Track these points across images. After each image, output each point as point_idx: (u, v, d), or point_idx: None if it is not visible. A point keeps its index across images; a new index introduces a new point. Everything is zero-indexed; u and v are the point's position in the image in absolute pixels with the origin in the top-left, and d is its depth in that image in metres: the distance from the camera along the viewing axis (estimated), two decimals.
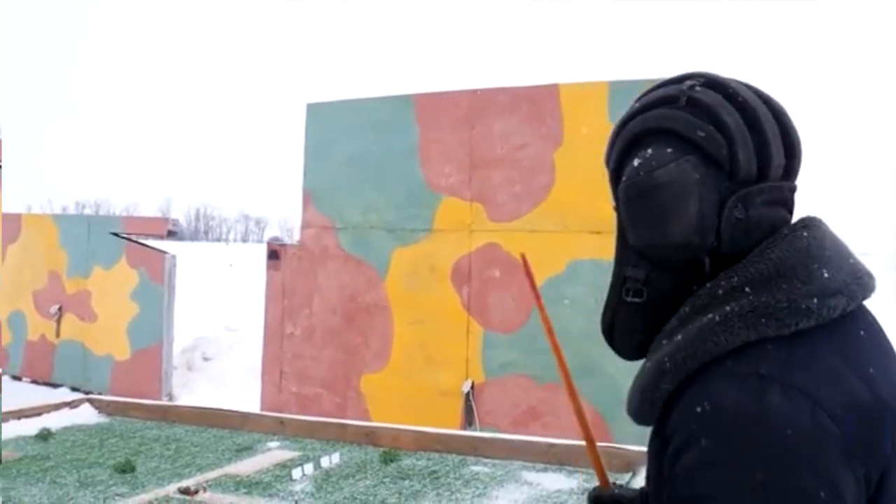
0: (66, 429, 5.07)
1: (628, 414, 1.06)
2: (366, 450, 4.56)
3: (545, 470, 4.14)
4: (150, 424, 5.23)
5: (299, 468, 4.01)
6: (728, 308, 0.92)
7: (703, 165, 0.97)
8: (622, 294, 1.07)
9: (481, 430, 5.89)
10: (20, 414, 5.20)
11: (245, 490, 3.78)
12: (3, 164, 4.88)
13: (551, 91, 6.24)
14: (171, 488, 3.79)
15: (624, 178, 1.04)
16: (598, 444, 4.24)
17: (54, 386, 9.09)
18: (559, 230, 6.11)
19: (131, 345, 8.57)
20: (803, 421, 0.83)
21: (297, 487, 3.81)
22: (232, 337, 10.45)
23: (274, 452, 4.52)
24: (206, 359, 9.73)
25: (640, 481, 3.66)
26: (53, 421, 5.19)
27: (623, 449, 4.12)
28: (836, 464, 0.84)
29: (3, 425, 4.98)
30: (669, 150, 0.98)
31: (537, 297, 1.46)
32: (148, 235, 9.16)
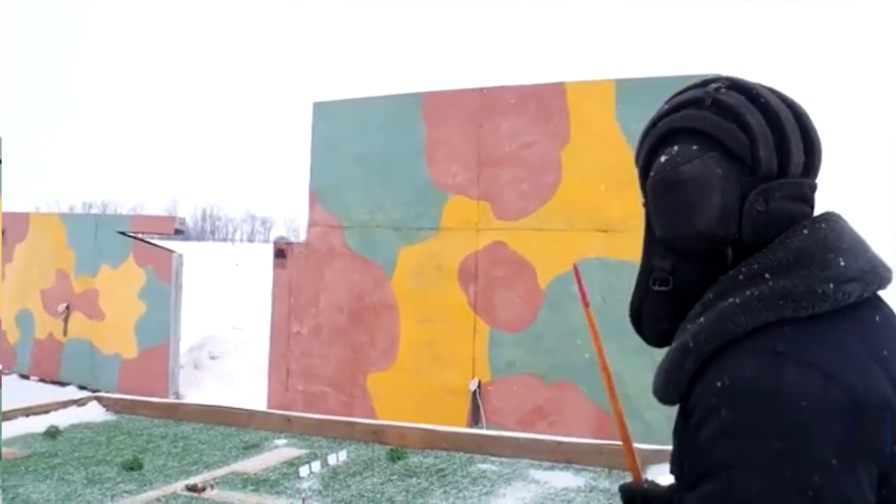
0: (73, 426, 5.09)
1: (654, 394, 1.10)
2: (373, 447, 4.56)
3: (552, 468, 4.13)
4: (157, 422, 5.24)
5: (306, 466, 4.01)
6: (748, 292, 0.97)
7: (726, 161, 1.03)
8: (649, 283, 1.14)
9: (488, 428, 5.88)
10: (28, 411, 5.22)
11: (252, 487, 3.78)
12: (8, 164, 4.90)
13: (558, 89, 6.24)
14: (179, 485, 3.80)
15: (652, 174, 1.11)
16: (605, 442, 4.25)
17: (62, 384, 9.11)
18: (566, 228, 6.10)
19: (139, 343, 8.59)
20: (816, 394, 0.88)
21: (305, 485, 3.81)
22: (239, 336, 10.46)
23: (281, 450, 4.52)
24: (212, 357, 9.75)
25: (648, 478, 3.66)
26: (61, 419, 5.21)
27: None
28: (848, 434, 0.88)
29: (12, 423, 5.01)
30: (695, 147, 1.05)
31: (587, 306, 1.52)
32: (155, 234, 9.18)
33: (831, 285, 0.95)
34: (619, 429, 1.47)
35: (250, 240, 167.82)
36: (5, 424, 4.95)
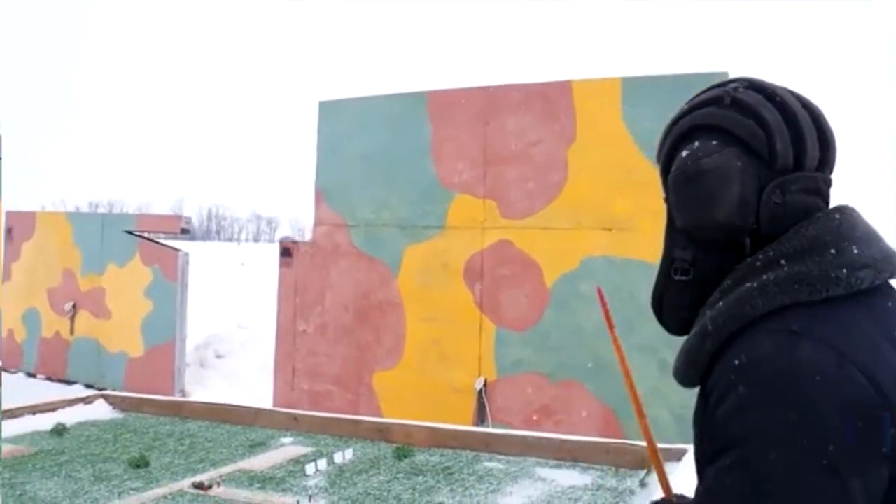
0: (80, 424, 5.09)
1: (675, 377, 1.17)
2: (379, 446, 4.56)
3: (559, 466, 4.12)
4: (163, 420, 5.24)
5: (313, 464, 4.01)
6: (765, 277, 1.03)
7: (744, 155, 1.08)
8: (671, 273, 1.19)
9: (494, 427, 5.87)
10: (35, 409, 5.23)
11: (259, 485, 3.78)
12: (8, 164, 4.91)
13: (564, 87, 6.23)
14: (185, 483, 3.80)
15: (673, 169, 1.16)
16: (612, 440, 4.23)
17: (69, 383, 9.14)
18: (572, 227, 6.10)
19: (145, 342, 8.61)
20: (830, 369, 0.93)
21: (311, 483, 3.81)
22: (244, 334, 10.48)
23: (287, 448, 4.52)
24: (218, 356, 9.76)
25: (655, 477, 3.65)
26: (68, 416, 5.21)
27: (636, 445, 4.11)
28: (863, 407, 0.92)
29: (19, 421, 5.02)
30: (714, 142, 1.11)
31: (611, 329, 1.56)
32: (161, 233, 9.21)
33: (844, 270, 0.99)
34: (649, 451, 1.52)
35: (256, 240, 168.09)
36: (12, 422, 4.95)
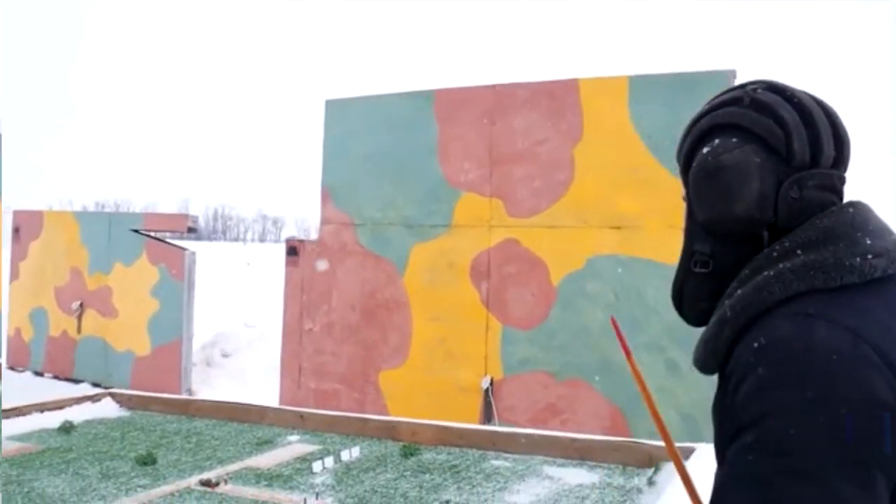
0: (88, 422, 5.11)
1: (694, 365, 1.19)
2: (386, 444, 4.56)
3: (566, 465, 4.12)
4: (170, 418, 5.25)
5: (320, 461, 4.01)
6: (781, 265, 1.07)
7: (763, 152, 1.13)
8: (691, 266, 1.23)
9: (500, 426, 5.86)
10: (42, 407, 5.24)
11: (266, 483, 3.78)
12: (15, 164, 4.92)
13: (571, 86, 6.21)
14: (193, 480, 3.80)
15: (694, 165, 1.20)
16: (619, 439, 4.23)
17: (76, 382, 9.15)
18: (579, 226, 6.08)
19: (152, 341, 8.62)
20: (846, 348, 0.96)
21: (318, 480, 3.81)
22: (251, 333, 10.49)
23: (294, 446, 4.52)
24: (225, 355, 9.77)
25: (662, 476, 3.64)
26: (76, 414, 5.23)
27: (643, 444, 4.10)
28: (878, 384, 0.95)
29: (27, 418, 5.04)
30: (734, 140, 1.15)
31: (629, 356, 1.58)
32: (168, 232, 9.22)
33: (858, 259, 1.04)
34: (678, 469, 1.51)
35: (261, 239, 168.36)
36: (20, 420, 4.97)
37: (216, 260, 42.18)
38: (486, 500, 3.51)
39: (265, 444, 4.57)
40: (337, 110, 7.29)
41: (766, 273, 1.08)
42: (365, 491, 3.64)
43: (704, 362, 1.16)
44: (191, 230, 8.86)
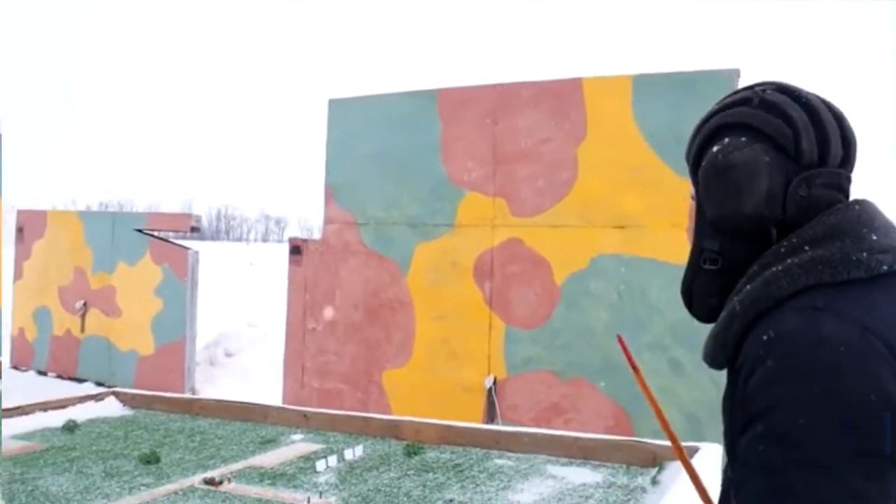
0: (91, 421, 5.11)
1: (704, 360, 1.22)
2: (389, 443, 4.55)
3: (570, 464, 4.11)
4: (174, 417, 5.25)
5: (323, 460, 4.01)
6: (789, 261, 1.09)
7: (772, 151, 1.15)
8: (700, 263, 1.25)
9: (504, 425, 5.86)
10: (46, 406, 5.24)
11: (269, 481, 3.78)
12: (15, 164, 4.92)
13: (575, 85, 6.21)
14: (196, 479, 3.80)
15: (704, 163, 1.23)
16: (623, 438, 4.21)
17: (79, 381, 9.17)
18: (582, 225, 6.08)
19: (155, 340, 8.64)
20: (854, 340, 0.98)
21: (321, 479, 3.81)
22: (254, 333, 10.50)
23: (298, 445, 4.52)
24: (228, 354, 9.79)
25: (666, 475, 3.63)
26: (79, 413, 5.22)
27: (647, 443, 4.09)
28: (886, 376, 0.97)
29: (30, 417, 5.04)
30: (744, 139, 1.17)
31: (637, 372, 1.59)
32: (171, 231, 9.23)
33: (865, 254, 1.06)
34: (693, 481, 1.52)
35: (264, 239, 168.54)
36: (23, 419, 4.97)
37: (219, 260, 42.23)
38: (489, 499, 3.51)
39: (269, 442, 4.57)
40: (340, 110, 7.29)
41: (774, 268, 1.09)
42: (368, 490, 3.64)
43: (714, 357, 1.18)
44: (194, 229, 8.88)
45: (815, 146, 1.14)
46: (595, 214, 6.03)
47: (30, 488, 3.63)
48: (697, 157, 1.26)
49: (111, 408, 5.50)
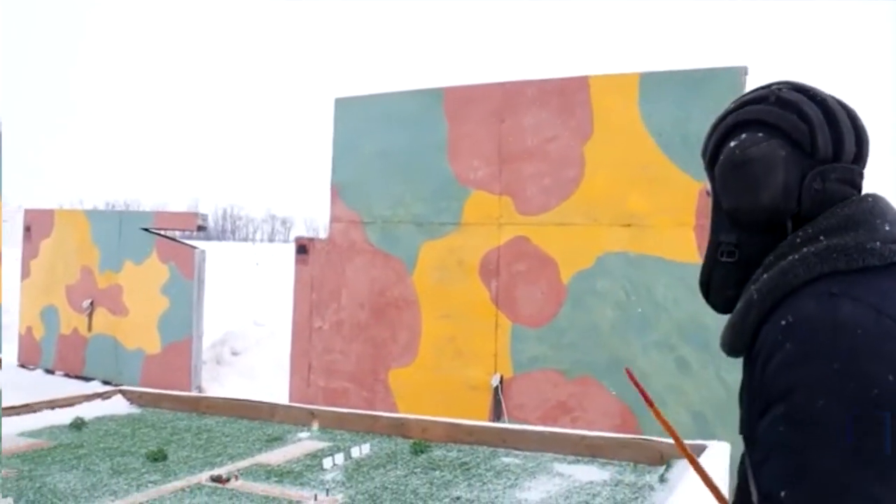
0: (98, 419, 5.12)
1: (721, 348, 1.25)
2: (396, 441, 4.55)
3: (577, 462, 4.10)
4: (181, 415, 5.26)
5: (330, 458, 4.01)
6: (805, 250, 1.13)
7: (788, 146, 1.19)
8: (717, 255, 1.29)
9: (510, 423, 5.86)
10: (53, 404, 5.26)
11: (276, 479, 3.78)
12: (15, 164, 4.94)
13: (581, 83, 6.20)
14: (203, 476, 3.81)
15: (721, 158, 1.26)
16: (629, 436, 4.20)
17: (86, 379, 9.20)
18: (588, 223, 6.07)
19: (162, 339, 8.66)
20: (870, 324, 1.01)
21: (328, 476, 3.81)
22: (260, 332, 10.52)
23: (304, 443, 4.53)
24: (234, 353, 9.80)
25: (674, 473, 3.63)
26: (86, 411, 5.24)
27: (654, 441, 4.08)
28: None
29: (38, 415, 5.06)
30: (760, 134, 1.22)
31: (651, 405, 1.61)
32: (178, 230, 9.25)
33: (878, 243, 1.09)
34: (708, 488, 1.53)
35: (270, 239, 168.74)
36: (31, 417, 4.99)
37: (225, 259, 42.29)
38: (496, 497, 3.50)
39: (275, 440, 4.58)
40: (346, 109, 7.30)
41: (790, 257, 1.13)
42: (375, 487, 3.64)
43: (732, 345, 1.21)
44: (201, 228, 8.90)
45: (830, 142, 1.18)
46: (602, 213, 6.02)
47: (38, 485, 3.64)
48: (714, 154, 1.29)
49: (118, 406, 5.52)
